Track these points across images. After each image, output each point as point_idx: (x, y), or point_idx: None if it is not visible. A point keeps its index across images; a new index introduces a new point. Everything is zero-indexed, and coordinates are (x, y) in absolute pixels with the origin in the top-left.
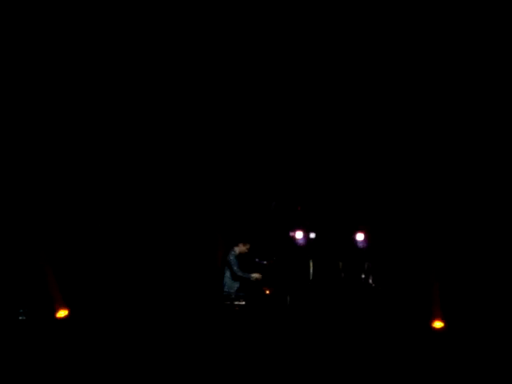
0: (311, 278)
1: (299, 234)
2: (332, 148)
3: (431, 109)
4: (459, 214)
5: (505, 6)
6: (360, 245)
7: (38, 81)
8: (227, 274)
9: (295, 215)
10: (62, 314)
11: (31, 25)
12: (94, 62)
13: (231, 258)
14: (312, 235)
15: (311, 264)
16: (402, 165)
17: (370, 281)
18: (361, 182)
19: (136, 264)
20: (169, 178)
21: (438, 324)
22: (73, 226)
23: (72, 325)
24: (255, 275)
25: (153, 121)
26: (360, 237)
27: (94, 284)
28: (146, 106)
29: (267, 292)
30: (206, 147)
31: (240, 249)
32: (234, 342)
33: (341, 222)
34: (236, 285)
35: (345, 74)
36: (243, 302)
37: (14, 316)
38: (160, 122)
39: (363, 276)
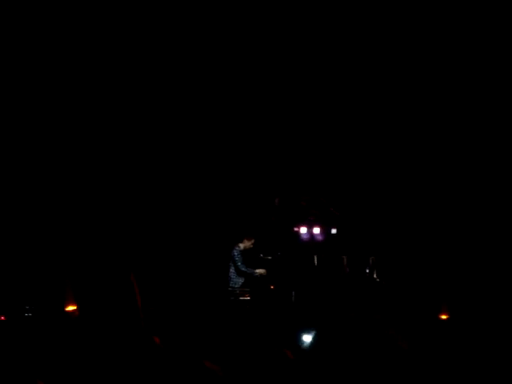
0: (316, 273)
1: (303, 230)
2: (335, 144)
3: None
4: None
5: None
6: (365, 239)
7: (38, 81)
8: (232, 269)
9: (299, 210)
10: (70, 308)
11: (31, 25)
12: (94, 62)
13: (235, 253)
14: (316, 230)
15: (315, 259)
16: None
17: (375, 275)
18: (365, 179)
19: (142, 260)
20: (173, 176)
21: (444, 316)
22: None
23: (80, 321)
24: (259, 271)
25: (155, 118)
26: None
27: (101, 278)
28: (147, 104)
29: (272, 287)
30: (210, 144)
31: (244, 244)
32: (239, 337)
33: (345, 217)
34: (241, 280)
35: (351, 73)
36: (248, 298)
37: (19, 313)
38: (162, 119)
39: (367, 271)
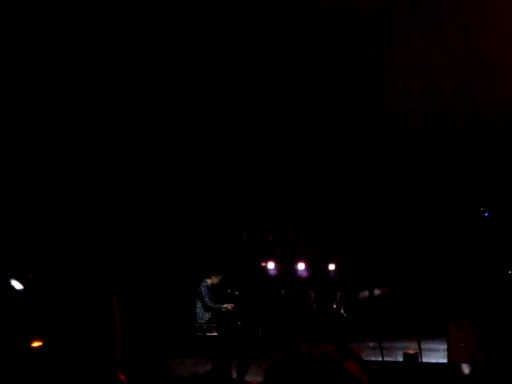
0: (283, 308)
1: (271, 265)
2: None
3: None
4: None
5: None
6: (332, 275)
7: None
8: (198, 304)
9: (267, 245)
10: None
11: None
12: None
13: (203, 289)
14: (284, 265)
15: (283, 294)
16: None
17: (342, 311)
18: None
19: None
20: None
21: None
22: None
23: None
24: (226, 306)
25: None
26: (332, 267)
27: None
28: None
29: (239, 323)
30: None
31: (212, 280)
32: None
33: (313, 252)
34: (207, 316)
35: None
36: (215, 333)
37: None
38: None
39: (335, 306)
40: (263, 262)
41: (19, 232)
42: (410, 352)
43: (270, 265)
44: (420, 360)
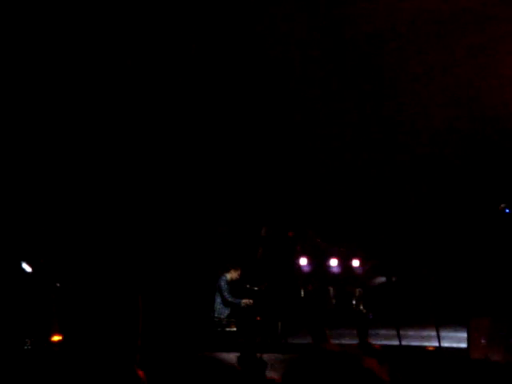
0: (302, 304)
1: (291, 260)
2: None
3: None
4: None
5: None
6: (356, 271)
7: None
8: (218, 299)
9: (287, 241)
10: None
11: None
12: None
13: (222, 283)
14: (303, 261)
15: (302, 290)
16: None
17: (361, 307)
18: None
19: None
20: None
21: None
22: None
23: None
24: (246, 301)
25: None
26: (355, 263)
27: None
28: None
29: (258, 318)
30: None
31: (231, 275)
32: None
33: (332, 248)
34: (226, 311)
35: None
36: (234, 328)
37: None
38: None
39: (354, 302)
40: (282, 257)
41: (42, 229)
42: (430, 348)
43: (290, 260)
44: (439, 345)
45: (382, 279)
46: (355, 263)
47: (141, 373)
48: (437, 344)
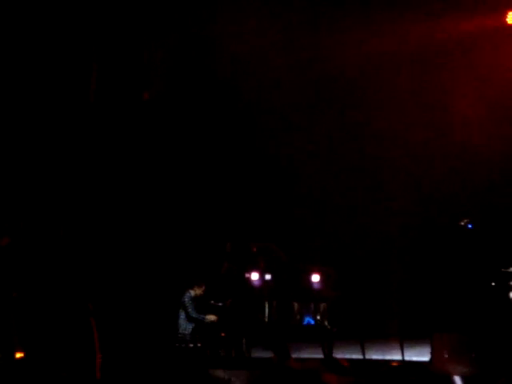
0: (266, 319)
1: (255, 276)
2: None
3: None
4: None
5: None
6: (315, 286)
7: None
8: (182, 315)
9: (250, 256)
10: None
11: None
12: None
13: (186, 299)
14: (267, 277)
15: (266, 306)
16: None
17: (326, 323)
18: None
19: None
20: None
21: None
22: None
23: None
24: (210, 317)
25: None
26: (315, 278)
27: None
28: None
29: (222, 334)
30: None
31: (195, 291)
32: None
33: (296, 263)
34: (190, 326)
35: None
36: (198, 344)
37: None
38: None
39: (318, 318)
40: (247, 272)
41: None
42: (394, 364)
43: (254, 276)
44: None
45: (342, 293)
46: (317, 278)
47: None
48: (400, 357)
